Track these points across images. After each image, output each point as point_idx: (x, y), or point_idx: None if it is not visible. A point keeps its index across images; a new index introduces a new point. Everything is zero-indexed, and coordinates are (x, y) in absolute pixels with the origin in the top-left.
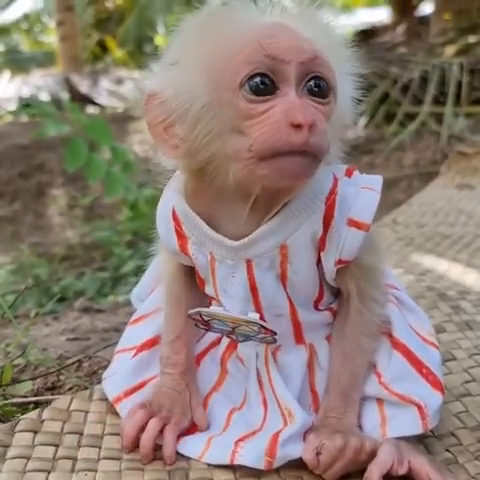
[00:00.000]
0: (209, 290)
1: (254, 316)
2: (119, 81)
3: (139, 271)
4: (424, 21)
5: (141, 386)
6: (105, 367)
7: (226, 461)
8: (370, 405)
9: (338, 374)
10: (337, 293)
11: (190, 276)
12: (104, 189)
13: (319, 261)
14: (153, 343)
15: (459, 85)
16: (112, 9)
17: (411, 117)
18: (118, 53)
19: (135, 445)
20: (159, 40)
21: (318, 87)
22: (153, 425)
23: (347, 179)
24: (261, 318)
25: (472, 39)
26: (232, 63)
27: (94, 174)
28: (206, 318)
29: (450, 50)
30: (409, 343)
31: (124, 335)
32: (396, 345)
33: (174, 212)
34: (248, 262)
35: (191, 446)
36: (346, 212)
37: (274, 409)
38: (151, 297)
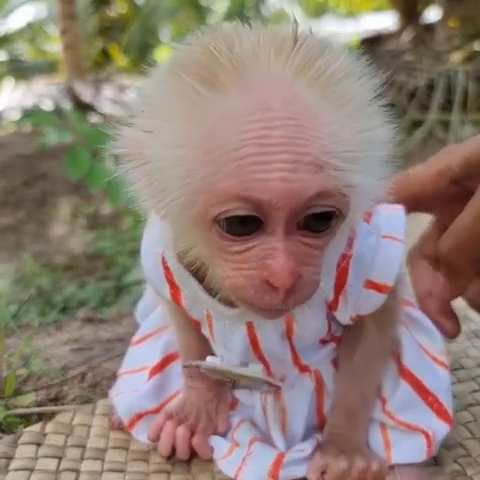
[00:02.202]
0: (205, 333)
1: (257, 369)
2: (122, 89)
3: (142, 281)
4: (430, 28)
5: (157, 410)
6: (109, 378)
7: (232, 475)
8: (373, 428)
9: (345, 393)
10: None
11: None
12: (107, 198)
13: (330, 315)
14: (163, 365)
15: (465, 92)
16: (115, 17)
17: (417, 124)
18: (121, 61)
19: (172, 453)
20: (161, 51)
21: (317, 221)
22: (182, 431)
23: (366, 227)
24: (263, 362)
25: (478, 46)
26: (206, 187)
27: (96, 183)
28: (203, 370)
29: (456, 57)
30: (417, 369)
31: (128, 356)
32: (403, 373)
33: (164, 258)
34: (248, 323)
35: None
36: (364, 273)
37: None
38: (153, 314)
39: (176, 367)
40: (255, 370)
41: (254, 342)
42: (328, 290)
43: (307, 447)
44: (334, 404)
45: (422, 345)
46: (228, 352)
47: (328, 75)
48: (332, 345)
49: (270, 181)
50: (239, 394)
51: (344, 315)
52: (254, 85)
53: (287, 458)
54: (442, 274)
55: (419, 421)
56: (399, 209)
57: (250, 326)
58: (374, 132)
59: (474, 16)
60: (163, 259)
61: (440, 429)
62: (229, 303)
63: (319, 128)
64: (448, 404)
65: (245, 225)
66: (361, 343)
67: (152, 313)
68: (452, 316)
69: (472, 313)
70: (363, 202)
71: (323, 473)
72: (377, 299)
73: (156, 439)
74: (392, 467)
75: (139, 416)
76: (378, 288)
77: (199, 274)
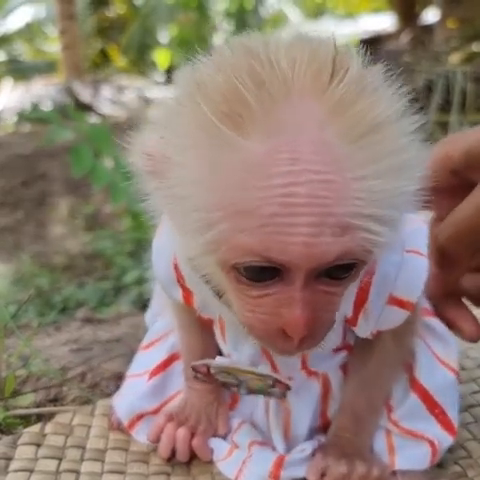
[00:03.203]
0: (216, 332)
1: (266, 368)
2: (121, 90)
3: (141, 281)
4: (428, 29)
5: (157, 411)
6: (108, 378)
7: (232, 477)
8: (378, 433)
9: (353, 397)
10: None
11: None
12: (107, 197)
13: (347, 331)
14: (165, 365)
15: (464, 93)
16: (114, 18)
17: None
18: (120, 62)
19: (172, 455)
20: (160, 54)
21: (338, 271)
22: (183, 433)
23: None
24: (272, 366)
25: (476, 47)
26: (227, 239)
27: (99, 181)
28: (213, 370)
29: (455, 58)
30: (428, 382)
31: (135, 360)
32: (414, 385)
33: (176, 265)
34: None
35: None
36: (387, 289)
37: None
38: (161, 319)
39: (179, 366)
40: (265, 369)
41: (265, 350)
42: (347, 308)
43: (308, 447)
44: (341, 407)
45: (435, 352)
46: (238, 353)
47: (366, 121)
48: (344, 353)
49: (292, 245)
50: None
51: (364, 331)
52: (282, 129)
53: (288, 459)
54: (435, 264)
55: (424, 430)
56: (422, 223)
57: None
58: (406, 179)
59: (473, 17)
60: (175, 262)
61: (444, 439)
62: None
63: (348, 184)
64: (454, 416)
65: (263, 273)
66: (376, 352)
67: (160, 318)
68: (469, 317)
69: (476, 314)
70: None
71: (323, 475)
72: (400, 315)
73: (156, 440)
74: (394, 473)
75: (139, 417)
76: (401, 304)
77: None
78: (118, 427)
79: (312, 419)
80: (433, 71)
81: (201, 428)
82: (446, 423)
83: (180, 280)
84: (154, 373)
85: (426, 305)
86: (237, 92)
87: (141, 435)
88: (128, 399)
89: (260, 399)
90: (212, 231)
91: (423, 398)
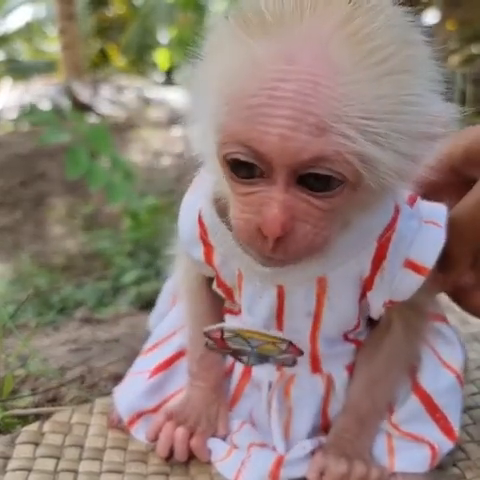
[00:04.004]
0: (236, 298)
1: (279, 333)
2: (120, 90)
3: (140, 281)
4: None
5: (156, 409)
6: (106, 379)
7: (232, 478)
8: (378, 436)
9: (358, 399)
10: (370, 322)
11: (212, 291)
12: (105, 197)
13: (362, 299)
14: (168, 364)
15: (463, 95)
16: (113, 18)
17: None
18: (119, 62)
19: (171, 455)
20: (160, 53)
21: (318, 181)
22: (181, 433)
23: (409, 210)
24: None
25: (475, 49)
26: (223, 126)
27: (95, 182)
28: (227, 335)
29: (454, 60)
30: (430, 386)
31: (138, 361)
32: (415, 388)
33: (200, 218)
34: (279, 287)
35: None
36: (404, 252)
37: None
38: (164, 322)
39: (181, 365)
40: (281, 334)
41: (279, 312)
42: (365, 264)
43: (308, 445)
44: (345, 408)
45: (440, 355)
46: (252, 317)
47: (366, 31)
48: (352, 347)
49: (269, 135)
50: (246, 390)
51: (378, 299)
52: (288, 37)
53: (287, 458)
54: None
55: (424, 433)
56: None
57: (280, 293)
58: (403, 103)
59: (472, 19)
60: (200, 218)
61: (444, 444)
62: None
63: (335, 87)
64: (456, 422)
65: (250, 170)
66: (386, 347)
67: (163, 321)
68: None
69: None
70: (386, 178)
71: (322, 474)
72: (414, 281)
73: (155, 439)
74: (394, 475)
75: (139, 415)
76: (417, 269)
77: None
78: (117, 425)
79: (313, 418)
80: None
81: (200, 429)
82: (446, 428)
83: (203, 235)
84: (156, 371)
85: (437, 311)
86: (259, 7)
87: (140, 433)
88: (128, 397)
89: (263, 398)
90: (217, 119)
91: (424, 402)
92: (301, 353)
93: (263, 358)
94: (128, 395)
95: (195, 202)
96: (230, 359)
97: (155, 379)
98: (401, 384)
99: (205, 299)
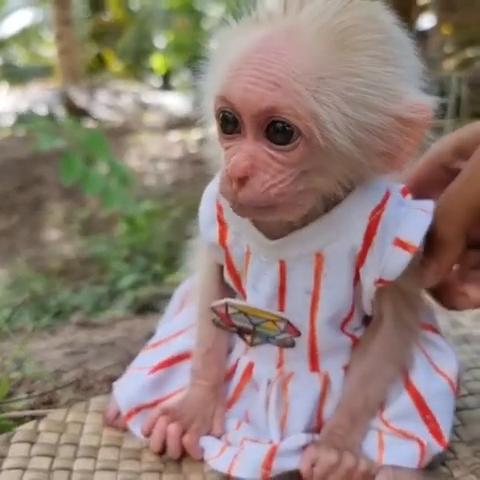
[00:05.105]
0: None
1: (280, 313)
2: (117, 94)
3: (137, 285)
4: (424, 35)
5: (155, 404)
6: (102, 382)
7: (225, 471)
8: (369, 431)
9: (351, 396)
10: (366, 320)
11: (225, 288)
12: (101, 203)
13: (356, 280)
14: (171, 362)
15: (459, 99)
16: (110, 23)
17: None
18: (116, 67)
19: (164, 450)
20: (157, 58)
21: (278, 133)
22: (174, 428)
23: (401, 198)
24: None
25: (471, 53)
26: (217, 87)
27: (90, 188)
28: (231, 311)
29: (450, 64)
30: (423, 387)
31: (140, 356)
32: (408, 386)
33: (218, 200)
34: (281, 263)
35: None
36: (393, 230)
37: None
38: (171, 322)
39: (184, 366)
40: (280, 313)
41: (281, 291)
42: (358, 239)
43: (302, 437)
44: (338, 404)
45: (434, 362)
46: (256, 294)
47: (340, 21)
48: (348, 342)
49: (237, 89)
50: (245, 391)
51: (369, 276)
52: (271, 27)
53: (280, 448)
54: (428, 254)
55: (414, 431)
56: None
57: (282, 270)
58: (355, 75)
59: (468, 23)
60: (218, 200)
61: (433, 445)
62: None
63: (295, 57)
64: (445, 426)
65: (229, 124)
66: (377, 341)
67: (169, 321)
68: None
69: (462, 317)
70: (336, 139)
71: (313, 466)
72: (402, 258)
73: (149, 434)
74: (383, 468)
75: (138, 409)
76: (404, 246)
77: None
78: (113, 423)
79: (309, 415)
80: (428, 77)
81: (194, 426)
82: (436, 431)
83: (219, 214)
84: (157, 368)
85: (429, 321)
86: (260, 8)
87: (137, 427)
88: (129, 390)
89: (262, 394)
90: (214, 84)
91: (416, 401)
92: (298, 334)
93: (264, 337)
94: (128, 388)
95: (213, 188)
96: (232, 358)
97: (155, 375)
98: (394, 381)
99: (217, 293)
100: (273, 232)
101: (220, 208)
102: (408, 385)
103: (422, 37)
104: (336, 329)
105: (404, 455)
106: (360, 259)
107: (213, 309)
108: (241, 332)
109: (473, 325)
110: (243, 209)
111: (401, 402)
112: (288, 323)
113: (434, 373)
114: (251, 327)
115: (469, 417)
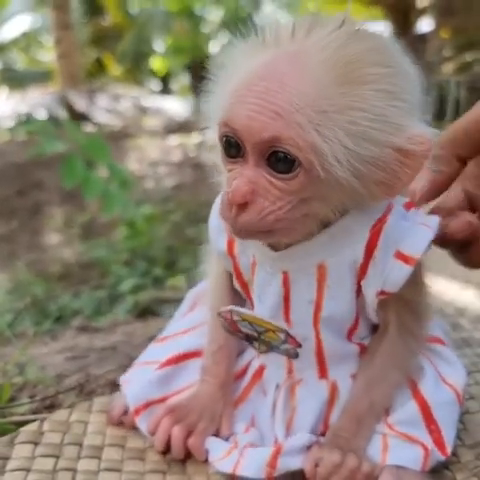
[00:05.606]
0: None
1: (282, 324)
2: (116, 98)
3: (137, 290)
4: (422, 39)
5: (163, 400)
6: (103, 386)
7: (230, 470)
8: (374, 435)
9: (356, 401)
10: (374, 328)
11: (235, 294)
12: (101, 207)
13: (359, 292)
14: (179, 360)
15: (457, 102)
16: (109, 27)
17: None
18: (115, 71)
19: (168, 449)
20: (156, 61)
21: (279, 162)
22: (177, 431)
23: (404, 212)
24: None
25: (469, 57)
26: (220, 113)
27: (90, 191)
28: (236, 318)
29: (448, 68)
30: (430, 397)
31: (147, 350)
32: (416, 394)
33: None
34: (284, 274)
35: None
36: (395, 244)
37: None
38: (182, 320)
39: (192, 364)
40: (280, 324)
41: (286, 301)
42: (359, 251)
43: (307, 437)
44: (343, 408)
45: (441, 374)
46: (262, 304)
47: (344, 53)
48: (356, 350)
49: (241, 116)
50: (252, 394)
51: (371, 288)
52: (277, 52)
53: (285, 447)
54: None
55: (419, 436)
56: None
57: (286, 281)
58: (358, 109)
59: (466, 27)
60: None
61: (435, 453)
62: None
63: (299, 86)
64: (449, 437)
65: (232, 149)
66: (382, 348)
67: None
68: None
69: (463, 320)
70: (336, 171)
71: (317, 466)
72: (403, 271)
73: (154, 432)
74: (386, 468)
75: (146, 405)
76: (405, 259)
77: None
78: (118, 421)
79: (316, 420)
80: (427, 80)
81: (201, 426)
82: (439, 441)
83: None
84: (165, 364)
85: (438, 334)
86: (265, 32)
87: (144, 424)
88: (137, 385)
89: (268, 398)
90: (218, 107)
91: (422, 410)
92: (299, 345)
93: (269, 346)
94: (136, 384)
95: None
96: (244, 360)
97: (163, 371)
98: (399, 387)
99: (227, 299)
100: (277, 244)
101: None
102: (416, 393)
103: (421, 41)
104: (342, 338)
105: (408, 457)
106: (362, 271)
107: (220, 315)
108: (249, 339)
109: (474, 328)
110: (241, 233)
111: (408, 409)
112: (287, 334)
113: (441, 384)
114: (256, 335)
115: (471, 421)
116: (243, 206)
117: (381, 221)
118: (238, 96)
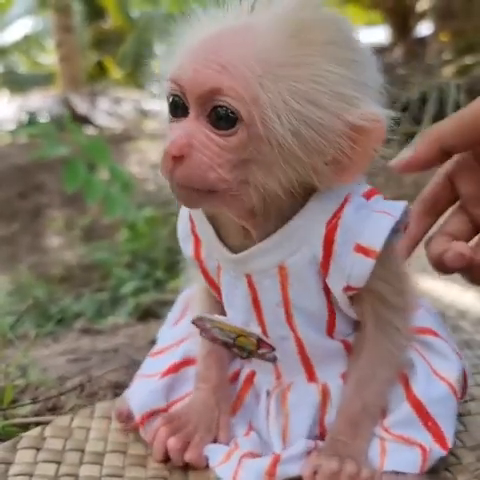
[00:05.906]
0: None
1: (255, 329)
2: (117, 102)
3: (138, 292)
4: (422, 42)
5: (167, 409)
6: (106, 388)
7: (229, 479)
8: (372, 439)
9: (349, 403)
10: (355, 325)
11: (216, 301)
12: (103, 209)
13: (327, 289)
14: (179, 367)
15: (457, 105)
16: (110, 30)
17: (410, 137)
18: (116, 74)
19: (166, 458)
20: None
21: (220, 119)
22: (173, 443)
23: (364, 201)
24: (264, 335)
25: (469, 60)
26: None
27: (92, 195)
28: (208, 325)
29: (448, 71)
30: (423, 394)
31: (146, 364)
32: (409, 395)
33: (190, 213)
34: (248, 277)
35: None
36: (353, 236)
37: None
38: (174, 329)
39: (191, 371)
40: (253, 329)
41: (256, 304)
42: (317, 248)
43: (305, 443)
44: (338, 410)
45: (433, 367)
46: (232, 309)
47: (296, 16)
48: (339, 347)
49: (187, 70)
50: (246, 400)
51: (336, 284)
52: (234, 19)
53: (284, 456)
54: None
55: (416, 437)
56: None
57: (250, 284)
58: (307, 69)
59: (466, 30)
60: (190, 213)
61: (436, 449)
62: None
63: (250, 45)
64: (448, 430)
65: (181, 112)
66: (366, 344)
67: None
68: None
69: (464, 323)
70: (276, 129)
71: (316, 473)
72: (365, 265)
73: (152, 443)
74: (385, 474)
75: (150, 414)
76: (365, 252)
77: (214, 225)
78: (125, 419)
79: (310, 424)
80: (427, 83)
81: (197, 438)
82: (438, 435)
83: (193, 228)
84: (166, 373)
85: (428, 324)
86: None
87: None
88: (141, 395)
89: (262, 402)
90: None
91: (417, 410)
92: (272, 349)
93: (246, 352)
94: (141, 393)
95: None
96: (237, 364)
97: (165, 380)
98: (391, 384)
99: (209, 306)
100: (236, 246)
101: (193, 222)
102: (409, 394)
103: (420, 44)
104: (322, 335)
105: (406, 461)
106: (323, 268)
107: (193, 323)
108: (227, 346)
109: (475, 330)
110: (181, 190)
111: (401, 411)
112: (259, 338)
113: (433, 378)
114: (231, 341)
115: (472, 423)
116: (180, 159)
117: (336, 216)
118: (188, 53)
